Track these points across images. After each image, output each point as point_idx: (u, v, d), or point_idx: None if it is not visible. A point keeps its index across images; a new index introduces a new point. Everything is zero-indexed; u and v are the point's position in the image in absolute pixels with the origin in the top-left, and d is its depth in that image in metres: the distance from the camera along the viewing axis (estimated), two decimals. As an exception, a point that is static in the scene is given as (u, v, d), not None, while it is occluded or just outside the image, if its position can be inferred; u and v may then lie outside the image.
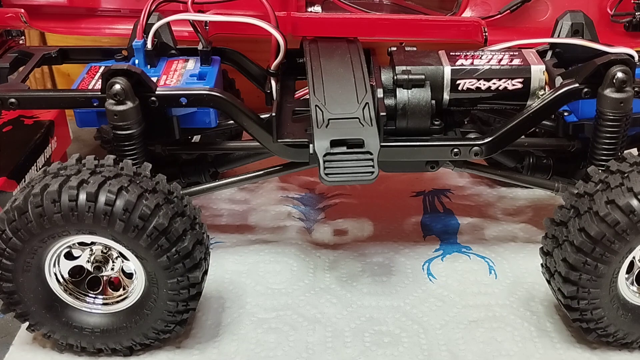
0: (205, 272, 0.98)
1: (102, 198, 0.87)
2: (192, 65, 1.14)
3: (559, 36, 1.12)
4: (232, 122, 1.09)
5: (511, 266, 1.19)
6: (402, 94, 1.00)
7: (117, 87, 0.97)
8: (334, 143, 0.93)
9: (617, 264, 0.91)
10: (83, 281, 0.99)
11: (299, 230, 1.29)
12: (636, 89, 0.99)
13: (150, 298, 0.95)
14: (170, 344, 1.02)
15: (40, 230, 0.89)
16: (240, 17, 1.11)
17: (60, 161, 0.97)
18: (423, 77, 1.00)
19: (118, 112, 0.98)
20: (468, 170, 1.14)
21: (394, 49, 1.09)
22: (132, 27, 1.14)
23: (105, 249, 0.97)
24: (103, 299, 0.99)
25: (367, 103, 1.00)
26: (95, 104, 1.02)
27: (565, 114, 1.10)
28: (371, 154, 0.93)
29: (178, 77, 1.10)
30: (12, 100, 1.04)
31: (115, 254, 0.97)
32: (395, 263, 1.20)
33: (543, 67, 1.03)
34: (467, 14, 1.22)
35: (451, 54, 1.06)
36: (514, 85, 1.03)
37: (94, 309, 0.98)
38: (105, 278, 0.99)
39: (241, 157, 1.19)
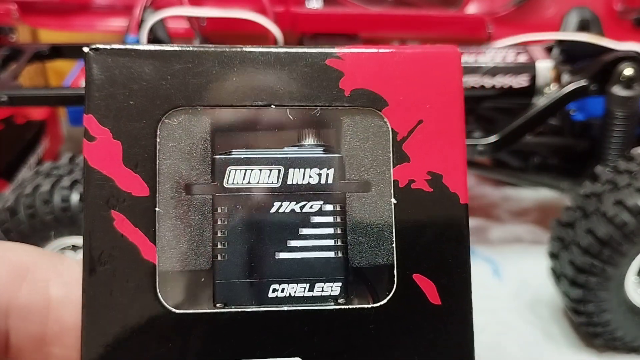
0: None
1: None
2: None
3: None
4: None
5: (516, 269, 1.17)
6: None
7: None
8: None
9: (625, 266, 0.89)
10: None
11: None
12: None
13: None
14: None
15: (33, 232, 0.87)
16: (237, 12, 1.09)
17: (53, 161, 0.94)
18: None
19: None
20: (472, 170, 1.12)
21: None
22: (125, 23, 1.11)
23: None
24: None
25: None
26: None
27: (572, 112, 1.08)
28: None
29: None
30: (3, 97, 1.01)
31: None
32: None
33: (549, 63, 1.01)
34: (471, 9, 1.19)
35: (454, 50, 1.04)
36: (519, 82, 1.01)
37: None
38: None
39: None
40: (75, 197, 0.85)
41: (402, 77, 0.28)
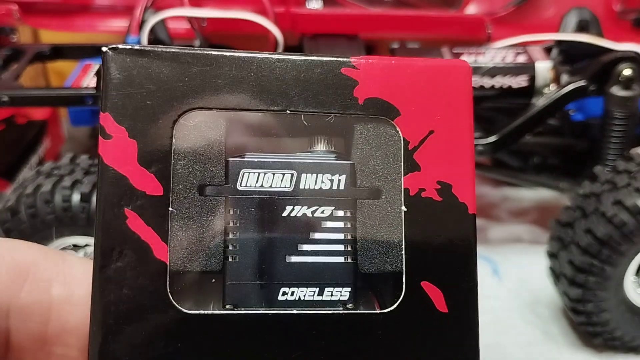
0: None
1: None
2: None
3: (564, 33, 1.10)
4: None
5: (516, 268, 1.17)
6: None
7: None
8: None
9: (624, 266, 0.89)
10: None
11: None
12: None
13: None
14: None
15: (34, 232, 0.87)
16: (237, 13, 1.09)
17: (54, 161, 0.94)
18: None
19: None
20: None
21: (396, 46, 1.07)
22: (126, 23, 1.12)
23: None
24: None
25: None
26: (89, 102, 1.00)
27: (572, 112, 1.08)
28: None
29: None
30: (4, 98, 1.01)
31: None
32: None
33: (548, 64, 1.01)
34: (471, 10, 1.19)
35: (454, 51, 1.04)
36: (518, 82, 1.01)
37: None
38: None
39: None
40: (76, 197, 0.85)
41: (414, 88, 0.29)
